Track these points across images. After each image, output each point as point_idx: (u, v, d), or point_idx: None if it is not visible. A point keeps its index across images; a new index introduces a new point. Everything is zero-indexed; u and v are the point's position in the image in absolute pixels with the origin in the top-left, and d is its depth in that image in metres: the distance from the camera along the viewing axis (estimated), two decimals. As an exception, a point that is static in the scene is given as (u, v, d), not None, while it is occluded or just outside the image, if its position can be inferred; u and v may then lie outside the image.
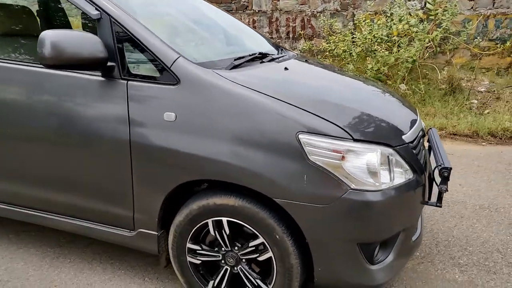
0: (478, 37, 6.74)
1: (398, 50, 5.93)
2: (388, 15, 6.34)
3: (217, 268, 1.85)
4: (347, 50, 6.74)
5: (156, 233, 1.86)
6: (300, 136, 1.52)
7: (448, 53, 6.70)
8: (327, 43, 7.21)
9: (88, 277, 2.16)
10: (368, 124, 1.64)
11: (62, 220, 2.06)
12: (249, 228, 1.68)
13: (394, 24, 5.93)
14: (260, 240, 1.67)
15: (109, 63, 1.74)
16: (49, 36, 1.61)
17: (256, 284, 1.76)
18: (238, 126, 1.59)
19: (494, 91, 5.82)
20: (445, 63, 6.92)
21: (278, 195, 1.57)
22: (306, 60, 2.53)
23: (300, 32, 8.25)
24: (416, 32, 5.78)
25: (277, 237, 1.63)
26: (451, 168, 1.68)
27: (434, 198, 1.78)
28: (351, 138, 1.52)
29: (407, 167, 1.63)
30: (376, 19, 6.53)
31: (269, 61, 2.15)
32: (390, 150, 1.58)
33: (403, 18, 5.86)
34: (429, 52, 6.09)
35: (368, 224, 1.56)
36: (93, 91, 1.81)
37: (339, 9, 7.98)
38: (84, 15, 1.93)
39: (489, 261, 2.24)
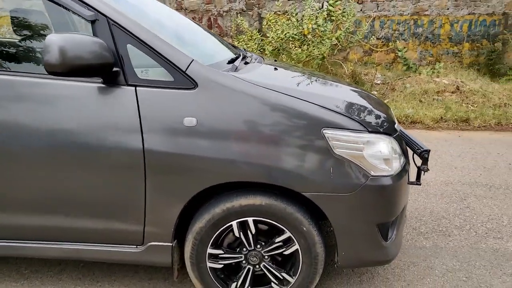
0: (369, 36, 7.66)
1: (307, 48, 6.43)
2: (294, 15, 6.80)
3: (236, 269, 1.87)
4: (259, 48, 7.03)
5: (171, 244, 1.79)
6: (325, 131, 1.64)
7: (348, 50, 7.49)
8: (237, 42, 7.39)
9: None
10: (372, 117, 1.84)
11: (51, 247, 1.82)
12: (274, 225, 1.74)
13: (304, 23, 6.40)
14: (287, 234, 1.75)
15: (114, 69, 1.61)
16: (55, 40, 1.43)
17: (282, 278, 1.84)
18: (264, 127, 1.64)
19: (388, 82, 6.74)
20: (343, 59, 7.72)
21: (307, 189, 1.67)
22: (275, 60, 2.64)
23: (208, 30, 8.24)
24: (324, 31, 6.35)
25: (304, 229, 1.73)
26: (429, 150, 1.99)
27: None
28: (366, 130, 1.70)
29: (401, 152, 1.88)
30: (280, 19, 6.94)
31: (251, 62, 2.21)
32: (392, 139, 1.80)
33: (312, 18, 6.36)
34: (337, 49, 6.72)
35: (386, 206, 1.76)
36: (94, 100, 1.64)
37: (245, 8, 8.25)
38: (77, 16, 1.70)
39: (441, 227, 2.68)
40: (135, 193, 1.70)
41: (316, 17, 6.50)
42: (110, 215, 1.75)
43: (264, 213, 1.72)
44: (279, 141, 1.64)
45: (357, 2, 7.81)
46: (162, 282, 2.11)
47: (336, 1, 6.84)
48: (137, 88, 1.64)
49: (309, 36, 6.36)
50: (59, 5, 1.66)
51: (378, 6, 7.94)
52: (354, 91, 2.25)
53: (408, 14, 7.93)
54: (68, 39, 1.46)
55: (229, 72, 1.75)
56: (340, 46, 6.93)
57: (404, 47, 7.73)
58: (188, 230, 1.80)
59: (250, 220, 1.74)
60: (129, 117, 1.63)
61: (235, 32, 8.01)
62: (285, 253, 1.80)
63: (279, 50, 6.79)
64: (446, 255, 2.37)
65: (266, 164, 1.64)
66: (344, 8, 6.83)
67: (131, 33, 1.64)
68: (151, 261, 1.83)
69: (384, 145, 1.73)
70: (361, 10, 7.88)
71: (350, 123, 1.68)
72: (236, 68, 1.89)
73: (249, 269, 1.84)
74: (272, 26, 6.74)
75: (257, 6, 8.12)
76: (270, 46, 6.72)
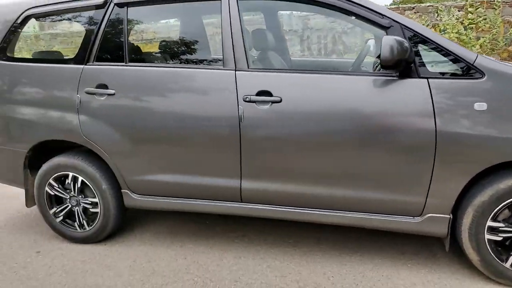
0: (508, 42, 7.35)
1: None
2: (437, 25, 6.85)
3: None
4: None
5: (448, 216, 2.03)
6: None
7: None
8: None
9: (355, 267, 2.28)
10: None
11: (339, 215, 2.19)
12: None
13: (446, 32, 6.43)
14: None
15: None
16: (388, 41, 1.82)
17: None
18: None
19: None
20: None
21: None
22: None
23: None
24: (468, 38, 6.30)
25: None
26: None
27: None
28: None
29: None
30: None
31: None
32: None
33: (455, 26, 6.37)
34: (482, 56, 6.60)
35: None
36: (389, 90, 1.99)
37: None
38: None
39: None
40: (423, 168, 1.99)
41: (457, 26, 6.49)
42: (395, 188, 2.07)
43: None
44: None
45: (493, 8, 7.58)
46: (430, 259, 2.36)
47: (476, 8, 6.77)
48: (429, 79, 1.95)
49: (456, 44, 6.37)
50: (358, 16, 2.07)
51: (517, 11, 7.60)
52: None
53: (554, 16, 7.44)
54: (395, 40, 1.83)
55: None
56: (483, 53, 6.78)
57: (551, 51, 7.25)
58: (466, 204, 2.02)
59: (534, 195, 1.92)
60: (422, 104, 1.94)
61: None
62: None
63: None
64: None
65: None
66: (485, 15, 6.71)
67: (421, 35, 1.98)
68: (427, 231, 2.10)
69: None
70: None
71: None
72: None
73: (525, 242, 2.00)
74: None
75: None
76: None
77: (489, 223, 1.99)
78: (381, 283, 2.15)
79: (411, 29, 1.99)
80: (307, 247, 2.52)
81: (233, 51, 2.17)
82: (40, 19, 2.60)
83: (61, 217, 2.65)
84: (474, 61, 1.92)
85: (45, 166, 2.58)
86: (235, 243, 2.61)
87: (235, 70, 2.17)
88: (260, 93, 2.13)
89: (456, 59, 1.95)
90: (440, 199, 2.03)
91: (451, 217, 2.04)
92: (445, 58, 1.97)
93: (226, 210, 2.38)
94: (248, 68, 2.18)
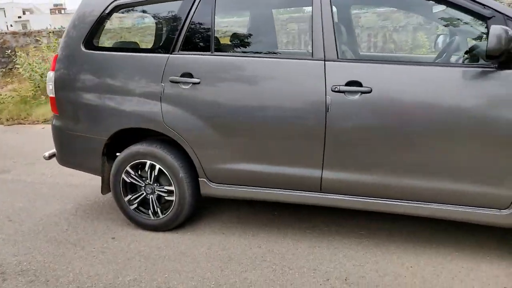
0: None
1: None
2: None
3: None
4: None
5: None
6: None
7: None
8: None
9: (432, 259, 2.30)
10: None
11: (424, 207, 2.21)
12: None
13: None
14: None
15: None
16: (495, 30, 1.83)
17: None
18: None
19: None
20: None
21: None
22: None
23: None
24: None
25: None
26: None
27: None
28: None
29: None
30: None
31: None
32: None
33: None
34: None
35: None
36: (486, 81, 2.00)
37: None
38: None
39: None
40: (516, 161, 2.00)
41: None
42: (486, 181, 2.08)
43: None
44: None
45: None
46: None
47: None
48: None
49: None
50: (454, 5, 2.10)
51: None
52: None
53: None
54: (502, 29, 1.83)
55: None
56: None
57: None
58: None
59: None
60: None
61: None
62: None
63: None
64: None
65: None
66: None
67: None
68: (513, 224, 2.11)
69: None
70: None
71: None
72: None
73: None
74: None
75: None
76: None
77: None
78: (463, 274, 2.17)
79: (513, 19, 2.00)
80: (379, 239, 2.55)
81: (323, 42, 2.21)
82: (124, 10, 2.66)
83: (135, 205, 2.71)
84: None
85: (123, 154, 2.64)
86: (307, 233, 2.65)
87: (324, 60, 2.21)
88: (350, 83, 2.16)
89: None
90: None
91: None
92: None
93: (304, 200, 2.41)
94: (338, 58, 2.21)
